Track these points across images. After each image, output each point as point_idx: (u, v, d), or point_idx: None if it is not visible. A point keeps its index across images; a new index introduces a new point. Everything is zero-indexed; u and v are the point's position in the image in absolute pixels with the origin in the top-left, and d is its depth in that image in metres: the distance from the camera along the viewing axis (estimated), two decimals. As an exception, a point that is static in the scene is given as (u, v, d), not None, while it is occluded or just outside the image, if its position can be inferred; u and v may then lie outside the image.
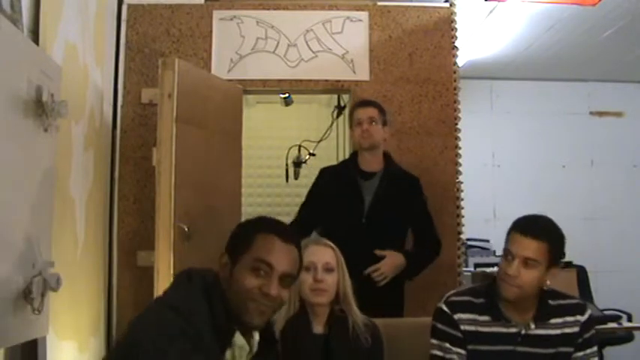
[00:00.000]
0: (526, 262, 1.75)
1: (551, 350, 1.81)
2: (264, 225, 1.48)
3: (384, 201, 2.72)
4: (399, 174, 2.85)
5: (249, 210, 3.73)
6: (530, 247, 1.75)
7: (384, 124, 2.80)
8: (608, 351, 4.15)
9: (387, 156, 2.87)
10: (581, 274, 4.20)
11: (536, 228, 1.79)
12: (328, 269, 1.98)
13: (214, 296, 1.38)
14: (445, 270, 3.22)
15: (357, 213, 2.70)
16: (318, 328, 1.98)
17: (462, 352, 1.83)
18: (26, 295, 1.70)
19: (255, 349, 1.46)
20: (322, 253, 2.01)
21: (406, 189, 2.79)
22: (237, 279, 1.39)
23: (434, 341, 1.88)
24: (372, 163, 2.80)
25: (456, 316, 1.84)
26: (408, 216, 2.78)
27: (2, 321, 1.59)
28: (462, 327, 1.83)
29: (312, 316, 1.98)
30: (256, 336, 1.47)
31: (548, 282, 1.80)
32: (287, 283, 1.43)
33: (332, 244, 2.05)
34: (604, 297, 4.35)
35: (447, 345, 1.84)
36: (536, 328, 1.81)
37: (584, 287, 4.19)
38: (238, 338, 1.42)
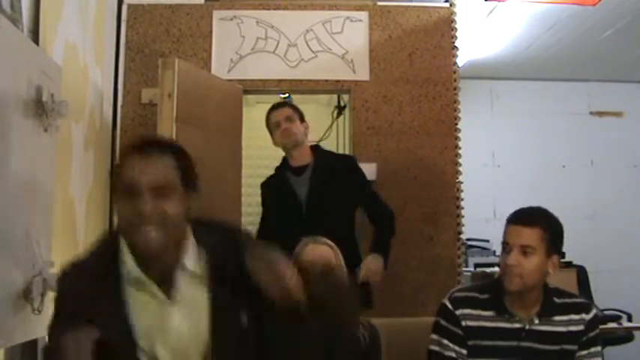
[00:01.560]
0: (524, 251, 1.78)
1: (555, 347, 1.81)
2: (123, 149, 1.38)
3: (320, 190, 2.73)
4: (331, 158, 2.88)
5: (249, 210, 3.72)
6: (524, 235, 1.79)
7: (302, 120, 2.83)
8: (608, 351, 4.14)
9: (315, 148, 2.90)
10: (581, 274, 4.19)
11: (528, 216, 1.83)
12: None
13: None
14: (445, 270, 3.23)
15: (295, 209, 2.72)
16: None
17: (462, 351, 1.82)
18: (26, 295, 1.71)
19: (196, 274, 1.34)
20: (320, 252, 2.01)
21: (342, 169, 2.80)
22: (117, 214, 1.27)
23: (434, 336, 1.89)
24: (300, 158, 2.82)
25: (459, 312, 1.84)
26: (352, 195, 2.78)
27: (2, 321, 1.60)
28: (465, 323, 1.83)
29: None
30: (188, 262, 1.34)
31: (550, 271, 1.81)
32: (164, 192, 1.27)
33: (331, 243, 2.05)
34: (604, 297, 4.34)
35: (446, 342, 1.84)
36: (541, 324, 1.81)
37: (584, 287, 4.18)
38: (132, 271, 1.29)
